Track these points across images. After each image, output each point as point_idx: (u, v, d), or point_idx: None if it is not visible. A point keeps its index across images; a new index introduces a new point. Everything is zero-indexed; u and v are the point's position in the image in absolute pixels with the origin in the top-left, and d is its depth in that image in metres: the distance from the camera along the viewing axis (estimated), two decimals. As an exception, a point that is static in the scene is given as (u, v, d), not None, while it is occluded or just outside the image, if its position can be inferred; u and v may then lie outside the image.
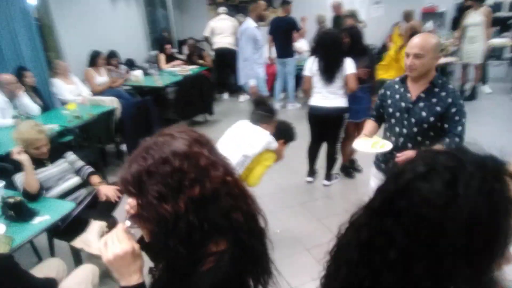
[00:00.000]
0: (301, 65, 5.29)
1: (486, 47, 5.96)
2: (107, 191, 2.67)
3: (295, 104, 6.37)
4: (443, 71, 6.57)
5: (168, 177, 0.82)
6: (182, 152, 0.84)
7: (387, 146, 2.19)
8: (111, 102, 4.62)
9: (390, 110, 2.25)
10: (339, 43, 3.39)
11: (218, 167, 0.88)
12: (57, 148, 2.90)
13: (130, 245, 0.90)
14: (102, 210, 2.68)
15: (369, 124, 2.43)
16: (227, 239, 0.88)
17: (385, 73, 6.26)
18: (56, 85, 4.93)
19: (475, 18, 5.78)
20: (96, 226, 2.46)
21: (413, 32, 5.85)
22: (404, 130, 2.19)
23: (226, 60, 6.82)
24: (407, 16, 6.02)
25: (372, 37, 6.29)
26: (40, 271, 2.05)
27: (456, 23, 6.53)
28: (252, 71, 4.98)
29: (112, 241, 0.90)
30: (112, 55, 5.93)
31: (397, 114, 2.21)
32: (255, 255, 0.93)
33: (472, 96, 6.19)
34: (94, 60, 5.48)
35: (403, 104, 2.17)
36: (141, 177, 0.82)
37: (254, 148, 2.57)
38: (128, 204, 0.95)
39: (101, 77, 5.51)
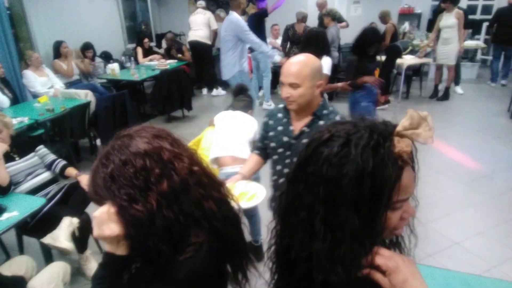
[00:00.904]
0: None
1: (459, 48, 6.11)
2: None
3: (271, 103, 6.15)
4: (418, 71, 6.75)
5: (133, 178, 0.81)
6: (142, 150, 0.84)
7: (255, 200, 1.69)
8: (85, 95, 4.50)
9: (272, 144, 1.84)
10: (322, 41, 3.42)
11: (182, 158, 0.88)
12: (26, 142, 2.79)
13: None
14: (74, 206, 2.60)
15: (251, 159, 1.98)
16: (205, 230, 0.88)
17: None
18: (27, 77, 4.76)
19: (449, 20, 5.88)
20: (66, 222, 2.39)
21: (393, 33, 6.01)
22: (285, 170, 1.82)
23: (200, 53, 6.77)
24: (384, 16, 6.08)
25: (351, 37, 6.36)
26: (8, 269, 1.98)
27: (432, 25, 6.67)
28: (235, 66, 4.81)
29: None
30: (86, 47, 5.78)
31: (280, 149, 1.82)
32: (231, 242, 0.93)
33: (445, 96, 6.34)
34: (57, 50, 5.34)
35: (285, 139, 1.79)
36: (106, 184, 0.82)
37: (252, 134, 2.54)
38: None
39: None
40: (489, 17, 8.37)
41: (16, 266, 2.05)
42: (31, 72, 4.76)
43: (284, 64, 1.68)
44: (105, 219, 0.82)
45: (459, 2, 5.94)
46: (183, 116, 5.96)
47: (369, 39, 3.53)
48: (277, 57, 5.00)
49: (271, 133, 1.85)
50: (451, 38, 5.96)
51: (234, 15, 4.56)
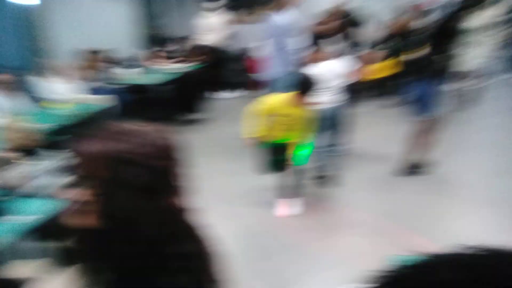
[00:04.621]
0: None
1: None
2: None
3: None
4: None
5: (154, 171, 0.76)
6: (170, 148, 0.81)
7: None
8: (105, 101, 4.61)
9: None
10: None
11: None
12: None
13: None
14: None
15: None
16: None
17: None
18: (44, 84, 4.86)
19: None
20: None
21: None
22: None
23: (216, 57, 6.82)
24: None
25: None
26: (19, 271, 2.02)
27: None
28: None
29: None
30: (104, 52, 5.92)
31: None
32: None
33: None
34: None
35: None
36: (120, 160, 0.74)
37: None
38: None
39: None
40: None
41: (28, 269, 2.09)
42: (50, 79, 4.86)
43: None
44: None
45: None
46: (199, 119, 6.01)
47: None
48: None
49: None
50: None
51: (276, 18, 4.55)
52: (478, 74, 5.12)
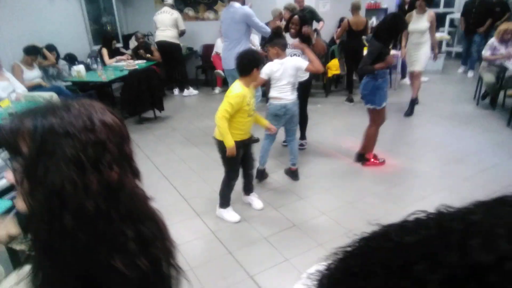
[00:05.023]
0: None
1: (434, 53, 5.52)
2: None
3: None
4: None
5: (89, 145, 0.68)
6: (109, 122, 0.73)
7: None
8: (50, 98, 4.30)
9: None
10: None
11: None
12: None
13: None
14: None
15: None
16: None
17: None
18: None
19: (420, 24, 5.19)
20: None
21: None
22: None
23: (170, 54, 6.62)
24: (356, 9, 5.95)
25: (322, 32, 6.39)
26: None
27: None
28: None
29: None
30: (49, 48, 5.54)
31: None
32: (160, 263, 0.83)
33: (411, 111, 5.38)
34: (30, 53, 5.11)
35: None
36: (56, 135, 0.68)
37: None
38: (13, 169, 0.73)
39: (32, 72, 5.16)
40: (452, 9, 8.66)
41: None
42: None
43: None
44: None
45: (433, 1, 5.17)
46: (155, 117, 5.80)
47: (399, 27, 3.50)
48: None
49: None
50: (422, 43, 5.26)
51: (238, 4, 4.47)
52: (422, 71, 5.39)
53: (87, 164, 0.67)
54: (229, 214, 3.15)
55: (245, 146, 3.02)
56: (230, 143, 2.80)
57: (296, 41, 3.84)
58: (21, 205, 0.72)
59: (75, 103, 0.73)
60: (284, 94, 3.42)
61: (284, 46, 3.42)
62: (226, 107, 2.76)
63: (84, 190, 0.67)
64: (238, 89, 2.81)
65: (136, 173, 0.78)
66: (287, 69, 3.36)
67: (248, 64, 2.78)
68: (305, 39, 3.86)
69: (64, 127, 0.68)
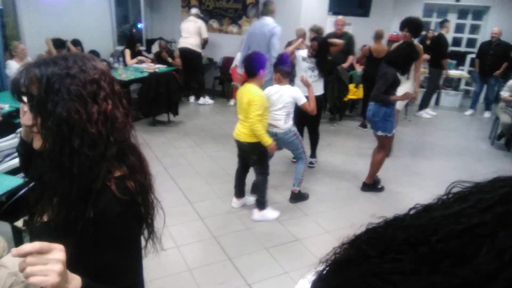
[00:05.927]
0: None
1: (414, 91, 4.57)
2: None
3: None
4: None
5: (87, 83, 0.86)
6: (100, 68, 0.91)
7: None
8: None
9: None
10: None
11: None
12: (7, 123, 2.67)
13: (59, 247, 0.73)
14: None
15: None
16: (124, 168, 0.93)
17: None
18: (10, 67, 4.61)
19: None
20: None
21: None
22: None
23: (190, 61, 6.72)
24: (378, 37, 6.04)
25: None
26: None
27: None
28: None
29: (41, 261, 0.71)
30: (75, 43, 5.68)
31: None
32: (144, 190, 0.97)
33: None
34: (55, 46, 5.23)
35: None
36: (59, 77, 0.84)
37: None
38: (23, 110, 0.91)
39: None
40: (473, 50, 8.69)
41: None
42: (15, 63, 4.62)
43: None
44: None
45: (420, 32, 4.53)
46: (168, 120, 5.85)
47: (413, 56, 3.64)
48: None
49: None
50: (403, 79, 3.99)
51: (272, 21, 4.57)
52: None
53: (87, 97, 0.84)
54: (271, 212, 3.30)
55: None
56: (269, 141, 3.02)
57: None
58: (37, 143, 0.88)
59: (70, 54, 0.91)
60: (276, 122, 3.32)
61: (286, 73, 3.40)
62: (256, 111, 2.94)
63: (87, 118, 0.83)
64: (255, 90, 3.00)
65: (126, 108, 0.95)
66: (283, 96, 3.30)
67: (255, 65, 3.00)
68: (321, 54, 3.98)
69: (65, 70, 0.84)
